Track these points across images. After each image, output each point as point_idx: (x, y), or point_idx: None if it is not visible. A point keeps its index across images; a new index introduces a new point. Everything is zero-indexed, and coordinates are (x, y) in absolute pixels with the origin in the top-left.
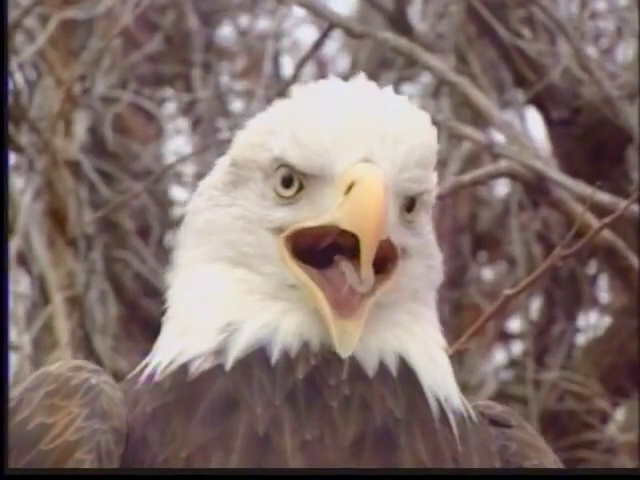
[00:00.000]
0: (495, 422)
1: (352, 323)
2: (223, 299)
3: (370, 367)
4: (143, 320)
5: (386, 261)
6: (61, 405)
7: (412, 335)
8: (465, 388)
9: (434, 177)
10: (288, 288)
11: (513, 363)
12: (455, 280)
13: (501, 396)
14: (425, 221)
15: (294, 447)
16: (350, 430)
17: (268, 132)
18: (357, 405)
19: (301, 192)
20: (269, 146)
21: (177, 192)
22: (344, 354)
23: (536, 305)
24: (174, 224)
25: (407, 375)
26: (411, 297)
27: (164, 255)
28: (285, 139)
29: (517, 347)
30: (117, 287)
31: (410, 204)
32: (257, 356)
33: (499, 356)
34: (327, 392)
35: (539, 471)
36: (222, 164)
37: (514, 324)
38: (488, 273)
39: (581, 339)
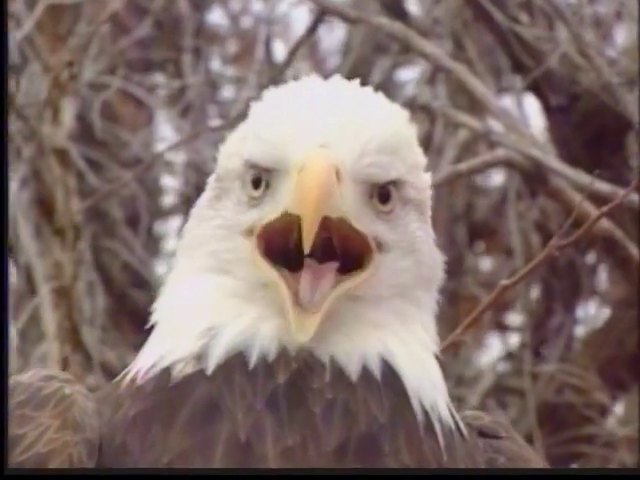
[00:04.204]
0: (483, 433)
1: (312, 317)
2: (204, 305)
3: (353, 371)
4: (131, 311)
5: (362, 256)
6: (32, 416)
7: (397, 338)
8: (461, 380)
9: (425, 177)
10: (261, 288)
11: (510, 355)
12: (451, 270)
13: (498, 389)
14: (414, 219)
15: (276, 453)
16: (333, 436)
17: (242, 139)
18: (340, 410)
19: (267, 190)
20: (242, 152)
21: (167, 180)
22: (301, 340)
23: (534, 296)
24: (164, 213)
25: (391, 379)
26: (396, 294)
27: (153, 245)
28: (250, 139)
29: (514, 339)
30: (105, 278)
31: (384, 195)
32: (237, 361)
33: (496, 348)
34: (310, 397)
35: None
36: (210, 182)
37: (511, 315)
38: (485, 263)
39: (580, 331)
